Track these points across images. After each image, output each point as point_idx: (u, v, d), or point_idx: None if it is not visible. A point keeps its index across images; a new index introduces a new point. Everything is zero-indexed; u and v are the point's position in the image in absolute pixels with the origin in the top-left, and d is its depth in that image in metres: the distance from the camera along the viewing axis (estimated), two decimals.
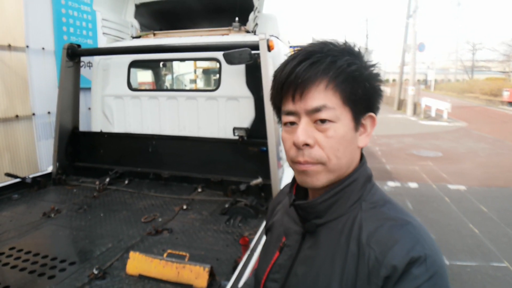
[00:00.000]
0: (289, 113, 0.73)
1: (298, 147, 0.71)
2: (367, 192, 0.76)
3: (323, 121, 0.70)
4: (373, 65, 0.75)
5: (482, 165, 7.76)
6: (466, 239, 4.16)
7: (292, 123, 0.73)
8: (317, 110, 0.69)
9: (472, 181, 6.56)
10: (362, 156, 0.80)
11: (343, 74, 0.69)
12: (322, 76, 0.69)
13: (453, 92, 33.33)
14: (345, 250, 0.71)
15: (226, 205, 2.52)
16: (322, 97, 0.69)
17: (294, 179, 0.85)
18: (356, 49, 0.75)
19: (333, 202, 0.75)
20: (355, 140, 0.74)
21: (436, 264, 0.64)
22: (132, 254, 1.69)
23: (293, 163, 0.75)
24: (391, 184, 6.38)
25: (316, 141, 0.70)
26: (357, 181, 0.75)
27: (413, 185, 6.33)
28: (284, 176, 2.85)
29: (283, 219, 0.90)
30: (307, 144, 0.70)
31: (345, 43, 0.75)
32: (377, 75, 0.75)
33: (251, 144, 2.90)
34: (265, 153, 2.68)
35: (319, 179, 0.73)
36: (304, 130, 0.70)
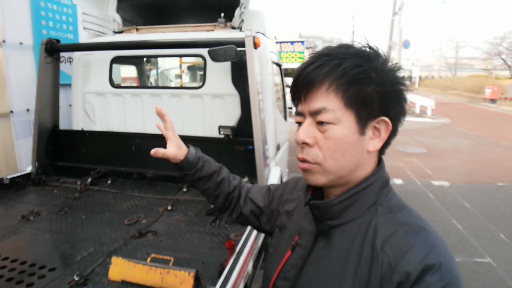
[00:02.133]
0: (298, 113, 0.77)
1: (299, 145, 0.75)
2: (383, 196, 0.76)
3: (323, 122, 0.72)
4: (392, 69, 0.74)
5: (465, 162, 7.92)
6: (450, 235, 4.22)
7: (301, 123, 0.77)
8: (318, 112, 0.72)
9: (455, 177, 6.68)
10: (380, 160, 0.79)
11: (346, 76, 0.69)
12: (325, 78, 0.71)
13: (436, 89, 33.97)
14: (359, 254, 0.71)
15: (212, 206, 2.47)
16: (323, 99, 0.71)
17: None
18: (373, 52, 0.74)
19: (348, 204, 0.75)
20: (360, 144, 0.73)
21: (450, 273, 0.63)
22: (114, 259, 1.63)
23: (298, 160, 0.78)
24: None
25: (316, 141, 0.73)
26: (374, 185, 0.75)
27: (398, 181, 6.41)
28: (271, 175, 2.82)
29: (297, 218, 0.90)
30: (306, 143, 0.73)
31: (367, 45, 0.75)
32: (396, 78, 0.73)
33: (237, 143, 2.86)
34: (252, 152, 2.64)
35: (318, 178, 0.75)
36: (304, 130, 0.73)
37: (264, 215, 1.06)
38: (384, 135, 0.75)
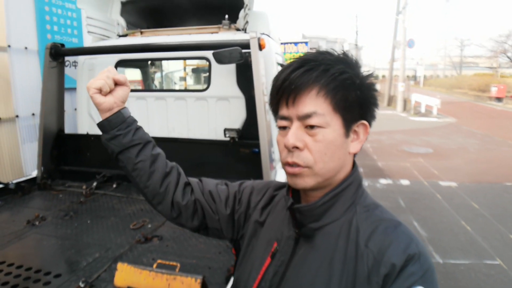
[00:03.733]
0: (283, 117, 0.77)
1: (288, 149, 0.75)
2: (359, 196, 0.80)
3: (313, 126, 0.73)
4: (368, 75, 0.78)
5: (472, 161, 7.82)
6: (459, 237, 4.16)
7: (286, 127, 0.77)
8: (308, 116, 0.72)
9: (463, 177, 6.60)
10: (354, 162, 0.83)
11: (335, 81, 0.72)
12: (314, 83, 0.72)
13: (442, 88, 33.73)
14: (344, 253, 0.73)
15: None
16: (313, 103, 0.72)
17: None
18: (352, 59, 0.78)
19: (330, 205, 0.77)
20: (345, 146, 0.77)
21: (427, 261, 0.69)
22: (120, 266, 1.61)
23: (284, 165, 0.78)
24: (383, 181, 6.39)
25: (306, 145, 0.74)
26: (352, 185, 0.79)
27: (405, 182, 6.35)
28: (277, 178, 2.79)
29: (273, 224, 0.89)
30: (296, 147, 0.74)
31: (342, 53, 0.78)
32: (372, 85, 0.78)
33: (243, 146, 2.83)
34: (257, 154, 2.61)
35: (307, 181, 0.75)
36: (294, 134, 0.74)
37: (229, 217, 0.96)
38: (363, 137, 0.79)
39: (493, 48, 30.69)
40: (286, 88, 0.74)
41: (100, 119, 0.90)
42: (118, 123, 0.88)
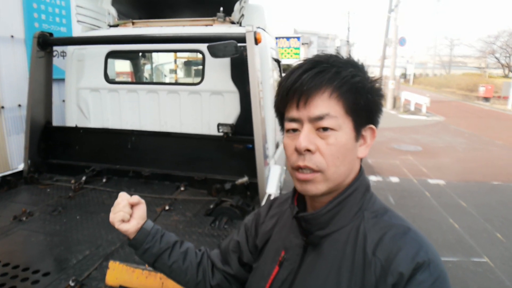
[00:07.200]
0: (293, 119, 0.74)
1: (300, 152, 0.72)
2: (367, 201, 0.78)
3: (325, 128, 0.71)
4: (376, 80, 0.77)
5: (460, 160, 7.94)
6: (447, 234, 4.22)
7: (295, 130, 0.74)
8: (320, 118, 0.71)
9: (451, 175, 6.70)
10: (360, 167, 0.81)
11: (347, 84, 0.71)
12: (327, 85, 0.71)
13: (431, 87, 34.16)
14: (351, 261, 0.71)
15: (211, 206, 2.41)
16: (326, 105, 0.71)
17: (294, 191, 0.85)
18: (359, 62, 0.77)
19: (336, 212, 0.75)
20: (355, 150, 0.75)
21: (438, 268, 0.66)
22: (111, 264, 1.57)
23: (293, 169, 0.75)
24: (373, 178, 6.43)
25: (318, 148, 0.71)
26: (358, 191, 0.77)
27: (394, 179, 6.40)
28: (271, 174, 2.77)
29: (280, 233, 0.88)
30: (308, 150, 0.71)
31: (349, 57, 0.78)
32: (379, 89, 0.77)
33: (237, 141, 2.79)
34: (251, 150, 2.58)
35: (318, 187, 0.73)
36: (306, 136, 0.71)
37: (249, 252, 0.97)
38: (370, 141, 0.78)
39: (482, 48, 31.23)
40: (298, 89, 0.72)
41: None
42: (144, 238, 0.95)
